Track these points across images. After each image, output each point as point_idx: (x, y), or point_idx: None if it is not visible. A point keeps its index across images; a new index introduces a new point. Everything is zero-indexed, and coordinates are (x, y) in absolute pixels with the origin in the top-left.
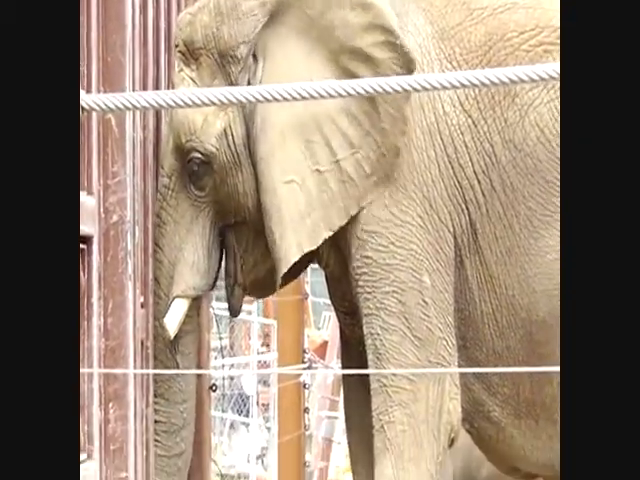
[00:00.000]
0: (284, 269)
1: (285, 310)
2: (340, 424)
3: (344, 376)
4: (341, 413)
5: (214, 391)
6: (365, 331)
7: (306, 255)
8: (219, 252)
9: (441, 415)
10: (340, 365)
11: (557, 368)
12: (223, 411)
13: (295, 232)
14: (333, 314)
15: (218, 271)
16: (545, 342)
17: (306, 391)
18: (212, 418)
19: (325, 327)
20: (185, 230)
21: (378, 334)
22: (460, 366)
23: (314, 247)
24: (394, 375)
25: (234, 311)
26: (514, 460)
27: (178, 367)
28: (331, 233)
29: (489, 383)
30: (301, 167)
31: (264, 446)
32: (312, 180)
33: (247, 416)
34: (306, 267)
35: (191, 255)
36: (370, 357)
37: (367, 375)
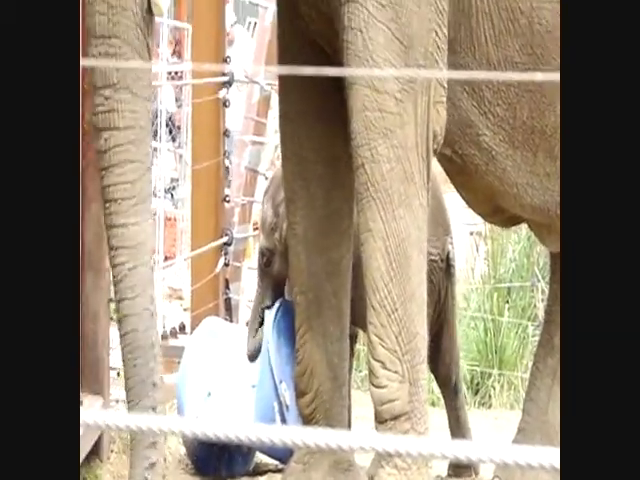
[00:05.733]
0: None
1: (201, 11)
2: (267, 152)
3: (284, 91)
4: (268, 139)
5: None
6: (346, 24)
7: None
8: None
9: (428, 130)
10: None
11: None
12: None
13: None
14: (258, 19)
15: None
16: (548, 58)
17: (226, 110)
18: None
19: (250, 35)
20: None
21: (361, 31)
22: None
23: None
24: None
25: None
26: (502, 198)
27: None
28: None
29: (480, 99)
30: None
31: (174, 177)
32: None
33: (154, 139)
34: None
35: None
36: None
37: (319, 90)
